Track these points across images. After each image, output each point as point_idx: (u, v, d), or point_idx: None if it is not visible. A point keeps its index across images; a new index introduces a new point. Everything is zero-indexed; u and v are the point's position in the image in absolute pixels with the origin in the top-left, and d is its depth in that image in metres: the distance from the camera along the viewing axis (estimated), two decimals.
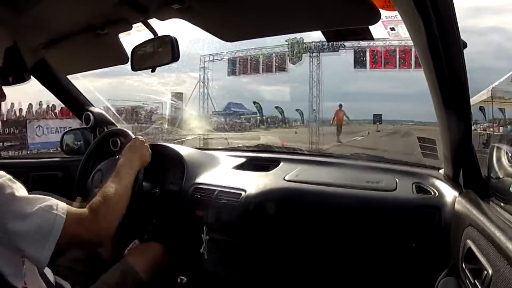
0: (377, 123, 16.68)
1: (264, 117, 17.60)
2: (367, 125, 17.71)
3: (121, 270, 1.08)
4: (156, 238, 1.31)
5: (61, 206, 0.76)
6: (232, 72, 13.32)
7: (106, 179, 1.19)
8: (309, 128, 13.20)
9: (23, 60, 1.20)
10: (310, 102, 13.28)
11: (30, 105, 8.83)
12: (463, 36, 0.68)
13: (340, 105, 13.25)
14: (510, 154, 0.86)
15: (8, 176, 0.74)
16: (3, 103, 0.89)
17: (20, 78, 1.28)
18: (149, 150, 1.15)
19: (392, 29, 9.95)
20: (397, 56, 11.27)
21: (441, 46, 0.67)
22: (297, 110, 17.92)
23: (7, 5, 0.89)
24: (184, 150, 1.49)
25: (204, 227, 1.25)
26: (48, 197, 0.76)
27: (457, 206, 0.96)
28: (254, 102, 17.09)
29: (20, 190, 0.73)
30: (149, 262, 1.17)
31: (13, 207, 0.70)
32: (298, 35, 11.88)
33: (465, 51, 0.71)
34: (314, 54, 12.53)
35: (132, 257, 1.17)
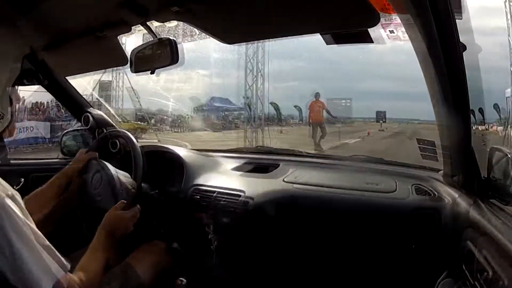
0: (381, 121, 13.35)
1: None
2: (369, 123, 14.61)
3: (122, 271, 1.08)
4: (156, 240, 1.30)
5: (66, 263, 0.77)
6: None
7: (105, 181, 1.19)
8: (245, 130, 9.05)
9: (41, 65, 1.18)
10: (244, 85, 8.42)
11: None
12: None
13: (317, 95, 8.95)
14: (509, 156, 0.86)
15: (13, 194, 0.73)
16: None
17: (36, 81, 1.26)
18: (135, 220, 1.09)
19: (392, 31, 9.79)
20: None
21: (440, 49, 0.68)
22: (295, 106, 14.40)
23: (8, 7, 0.88)
24: (183, 152, 1.50)
25: (204, 229, 1.25)
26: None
27: (456, 207, 0.97)
28: (245, 98, 14.42)
29: (31, 223, 0.73)
30: (150, 263, 1.17)
31: (26, 239, 0.71)
32: None
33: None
34: None
35: (134, 258, 1.16)
